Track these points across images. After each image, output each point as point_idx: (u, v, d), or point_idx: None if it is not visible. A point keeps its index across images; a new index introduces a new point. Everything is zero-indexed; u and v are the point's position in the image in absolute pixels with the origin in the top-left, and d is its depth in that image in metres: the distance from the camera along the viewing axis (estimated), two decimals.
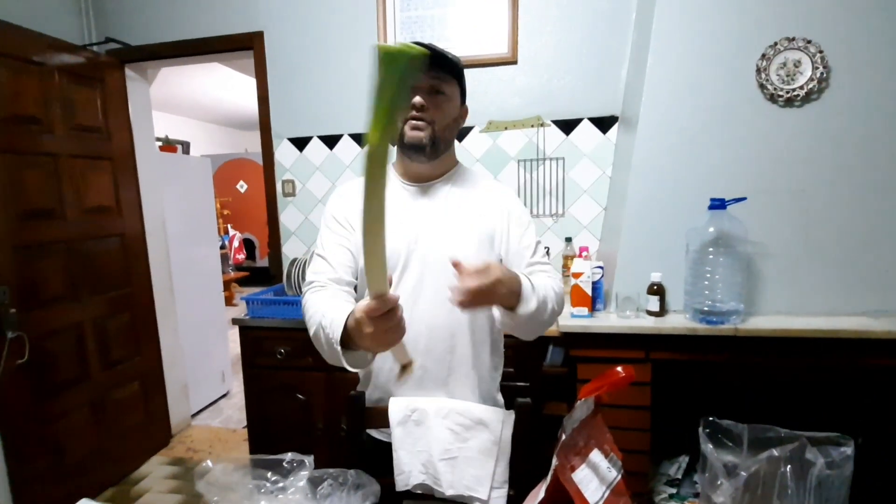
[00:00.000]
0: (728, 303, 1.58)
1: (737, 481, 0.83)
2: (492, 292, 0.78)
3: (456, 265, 0.77)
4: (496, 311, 0.89)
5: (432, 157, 1.00)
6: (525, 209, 1.09)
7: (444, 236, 0.99)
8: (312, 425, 1.96)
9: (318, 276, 0.98)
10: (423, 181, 1.05)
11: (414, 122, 0.96)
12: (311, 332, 0.88)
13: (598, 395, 0.73)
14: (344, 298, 0.94)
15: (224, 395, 3.31)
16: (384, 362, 1.01)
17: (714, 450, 0.87)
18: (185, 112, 6.39)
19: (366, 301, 0.69)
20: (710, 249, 1.59)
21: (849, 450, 0.82)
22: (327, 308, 0.85)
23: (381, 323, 0.68)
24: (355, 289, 1.01)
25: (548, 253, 2.10)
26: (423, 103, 0.95)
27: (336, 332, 0.78)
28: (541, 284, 0.91)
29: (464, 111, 1.05)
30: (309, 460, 0.74)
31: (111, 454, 2.32)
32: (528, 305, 0.85)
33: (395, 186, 1.05)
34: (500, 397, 1.09)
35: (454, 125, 1.03)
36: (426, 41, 0.84)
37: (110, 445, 2.31)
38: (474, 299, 0.76)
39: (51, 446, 2.04)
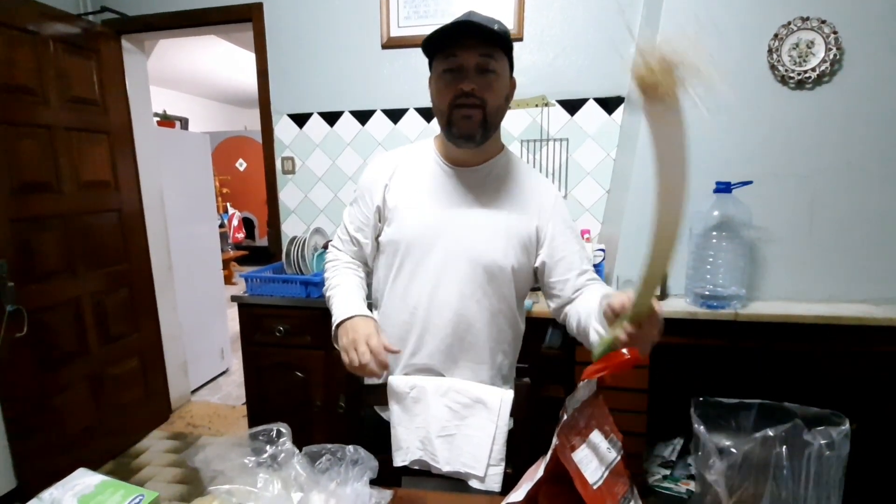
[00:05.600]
0: (729, 287, 1.57)
1: (729, 459, 0.84)
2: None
3: (616, 309, 0.70)
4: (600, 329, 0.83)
5: (482, 142, 0.95)
6: (568, 210, 1.03)
7: (473, 230, 0.96)
8: (311, 402, 1.97)
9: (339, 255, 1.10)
10: (463, 165, 0.99)
11: (465, 109, 0.89)
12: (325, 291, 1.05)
13: (601, 377, 0.72)
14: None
15: (223, 373, 3.33)
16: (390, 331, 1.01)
17: (706, 430, 0.87)
18: (184, 88, 6.28)
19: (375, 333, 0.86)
20: (714, 233, 1.58)
21: (845, 429, 0.83)
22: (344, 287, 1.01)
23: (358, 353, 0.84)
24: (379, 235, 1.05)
25: None
26: (472, 88, 0.88)
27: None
28: None
29: (512, 84, 0.98)
30: (285, 428, 0.74)
31: (111, 428, 2.34)
32: None
33: (432, 165, 1.00)
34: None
35: (505, 104, 0.95)
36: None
37: (110, 419, 2.33)
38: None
39: (51, 419, 2.05)
